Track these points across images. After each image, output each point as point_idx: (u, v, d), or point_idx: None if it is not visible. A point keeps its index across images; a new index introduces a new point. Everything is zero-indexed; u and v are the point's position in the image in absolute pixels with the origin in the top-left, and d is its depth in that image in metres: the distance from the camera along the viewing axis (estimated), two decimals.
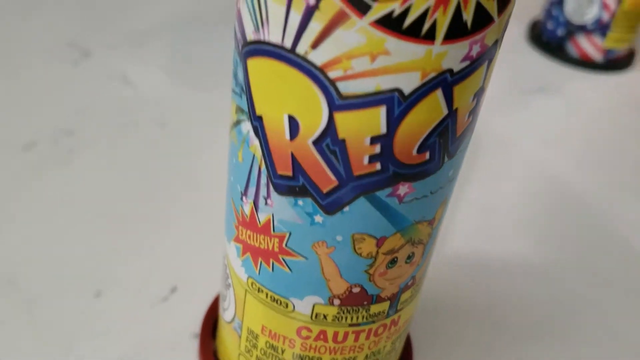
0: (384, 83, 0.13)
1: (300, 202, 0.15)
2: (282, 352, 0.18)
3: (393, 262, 0.16)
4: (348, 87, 0.13)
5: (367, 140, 0.13)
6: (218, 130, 0.35)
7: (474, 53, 0.13)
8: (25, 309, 0.24)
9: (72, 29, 0.43)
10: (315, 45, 0.12)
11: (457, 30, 0.12)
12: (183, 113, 0.36)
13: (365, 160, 0.14)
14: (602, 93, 0.46)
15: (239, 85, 0.15)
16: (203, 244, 0.28)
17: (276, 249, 0.16)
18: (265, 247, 0.16)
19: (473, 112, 0.15)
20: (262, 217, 0.16)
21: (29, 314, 0.24)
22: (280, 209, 0.15)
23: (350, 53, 0.12)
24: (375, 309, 0.17)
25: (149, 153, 0.33)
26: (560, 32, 0.49)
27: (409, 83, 0.13)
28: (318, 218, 0.15)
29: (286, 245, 0.16)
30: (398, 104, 0.13)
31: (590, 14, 0.47)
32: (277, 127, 0.14)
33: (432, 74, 0.13)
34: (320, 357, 0.18)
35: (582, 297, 0.28)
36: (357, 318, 0.17)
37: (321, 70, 0.13)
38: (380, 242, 0.15)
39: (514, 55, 0.49)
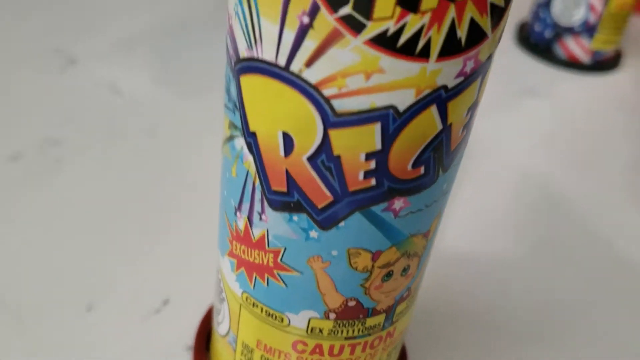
0: (379, 100, 0.12)
1: (295, 217, 0.15)
2: None
3: (389, 275, 0.16)
4: (343, 105, 0.13)
5: (362, 157, 0.13)
6: (208, 137, 0.35)
7: (468, 69, 0.13)
8: (16, 324, 0.24)
9: (57, 35, 0.43)
10: (309, 63, 0.12)
11: (451, 47, 0.12)
12: (172, 120, 0.36)
13: (361, 176, 0.14)
14: (590, 94, 0.47)
15: (232, 101, 0.15)
16: (195, 255, 0.27)
17: (271, 264, 0.16)
18: (260, 262, 0.16)
19: (467, 126, 0.15)
20: (257, 232, 0.16)
21: (20, 329, 0.24)
22: (274, 225, 0.15)
23: (345, 71, 0.12)
24: (371, 321, 0.17)
25: (139, 162, 0.33)
26: (547, 34, 0.49)
27: (403, 100, 0.13)
28: (313, 233, 0.15)
29: (281, 260, 0.16)
30: (393, 121, 0.13)
31: (577, 16, 0.47)
32: (272, 144, 0.14)
33: (427, 91, 0.13)
34: None
35: (575, 298, 0.28)
36: (353, 331, 0.17)
37: (315, 88, 0.13)
38: (375, 256, 0.15)
39: (502, 57, 0.49)
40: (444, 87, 0.13)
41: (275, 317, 0.17)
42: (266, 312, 0.17)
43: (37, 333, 0.24)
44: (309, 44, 0.12)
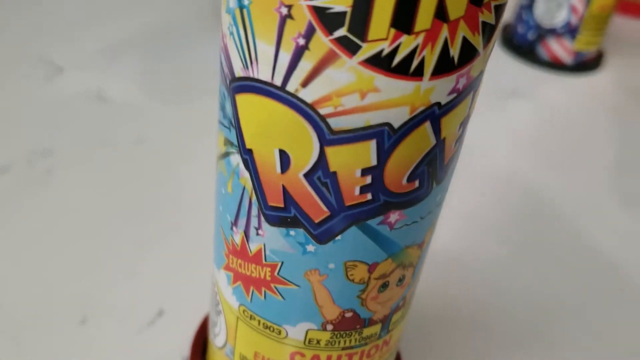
0: (374, 118, 0.13)
1: (292, 232, 0.15)
2: None
3: (384, 286, 0.16)
4: (339, 123, 0.13)
5: (358, 172, 0.14)
6: (197, 144, 0.35)
7: (460, 85, 0.13)
8: (10, 338, 0.24)
9: (42, 44, 0.42)
10: (305, 83, 0.12)
11: (444, 66, 0.12)
12: (161, 128, 0.36)
13: (357, 191, 0.14)
14: (573, 94, 0.47)
15: (227, 119, 0.15)
16: (188, 265, 0.27)
17: (268, 278, 0.16)
18: (257, 276, 0.16)
19: (459, 139, 0.15)
20: (253, 247, 0.16)
21: (15, 343, 0.23)
22: (271, 239, 0.15)
23: (341, 91, 0.12)
24: (367, 331, 0.17)
25: (129, 171, 0.33)
26: (530, 35, 0.50)
27: (398, 117, 0.13)
28: (310, 247, 0.15)
29: (278, 274, 0.16)
30: (388, 138, 0.13)
31: (559, 18, 0.48)
32: (268, 161, 0.14)
33: (421, 108, 0.13)
34: None
35: (564, 301, 0.29)
36: (350, 341, 0.17)
37: (312, 107, 0.13)
38: (372, 267, 0.16)
39: None
40: (438, 104, 0.13)
41: (273, 329, 0.17)
42: (264, 324, 0.17)
43: (31, 347, 0.23)
44: (305, 65, 0.12)
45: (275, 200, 0.15)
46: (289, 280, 0.16)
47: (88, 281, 0.26)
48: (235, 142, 0.15)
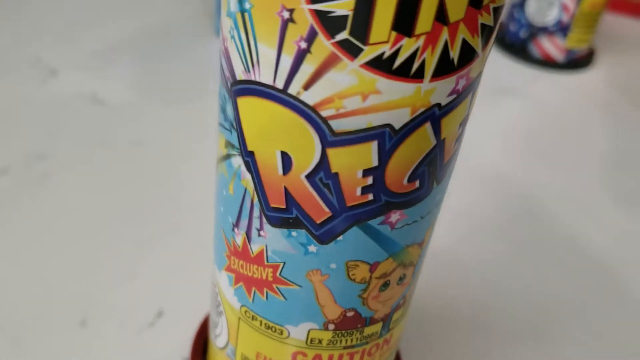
0: (375, 120, 0.13)
1: (294, 233, 0.15)
2: None
3: (385, 285, 0.17)
4: (340, 125, 0.13)
5: (360, 173, 0.14)
6: (195, 145, 0.35)
7: (460, 87, 0.13)
8: (10, 342, 0.24)
9: (36, 46, 0.42)
10: (307, 86, 0.13)
11: (444, 68, 0.13)
12: (157, 130, 0.36)
13: (358, 191, 0.14)
14: (565, 92, 0.48)
15: (228, 121, 0.15)
16: (188, 266, 0.28)
17: (270, 279, 0.16)
18: (259, 277, 0.17)
19: (459, 139, 0.15)
20: (255, 248, 0.16)
21: (15, 347, 0.23)
22: (273, 240, 0.16)
23: (342, 93, 0.12)
24: (368, 330, 0.18)
25: (127, 173, 0.33)
26: (522, 33, 0.50)
27: (399, 119, 0.13)
28: (312, 248, 0.15)
29: (280, 274, 0.16)
30: (389, 139, 0.13)
31: (551, 16, 0.48)
32: (270, 163, 0.14)
33: (421, 109, 0.13)
34: None
35: (562, 300, 0.29)
36: (352, 340, 0.18)
37: (313, 109, 0.13)
38: (373, 267, 0.16)
39: None
40: (438, 105, 0.13)
41: (275, 329, 0.17)
42: (265, 324, 0.18)
43: (31, 349, 0.23)
44: (307, 68, 0.12)
45: (277, 201, 0.15)
46: (290, 281, 0.16)
47: (88, 283, 0.26)
48: (237, 145, 0.15)
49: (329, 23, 0.12)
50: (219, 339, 0.20)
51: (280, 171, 0.14)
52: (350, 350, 0.18)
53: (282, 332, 0.17)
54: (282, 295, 0.16)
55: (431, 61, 0.12)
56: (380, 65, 0.12)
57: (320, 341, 0.17)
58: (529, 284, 0.29)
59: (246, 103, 0.14)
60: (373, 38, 0.12)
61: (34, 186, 0.31)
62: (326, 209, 0.14)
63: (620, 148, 0.42)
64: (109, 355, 0.24)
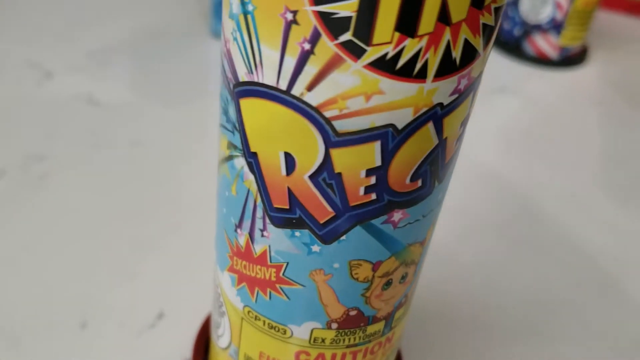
0: (379, 120, 0.13)
1: (297, 233, 0.15)
2: None
3: (388, 283, 0.17)
4: (344, 125, 0.13)
5: (363, 173, 0.14)
6: (192, 145, 0.35)
7: (462, 86, 0.13)
8: (10, 345, 0.24)
9: (31, 48, 0.42)
10: (310, 87, 0.13)
11: (446, 68, 0.13)
12: (155, 130, 0.36)
13: (361, 191, 0.14)
14: (559, 89, 0.48)
15: (230, 123, 0.15)
16: (187, 266, 0.28)
17: (273, 279, 0.16)
18: (262, 277, 0.17)
19: (460, 138, 0.15)
20: (258, 248, 0.16)
21: (15, 351, 0.23)
22: (276, 241, 0.16)
23: (346, 94, 0.13)
24: (371, 329, 0.18)
25: (125, 174, 0.33)
26: (516, 31, 0.50)
27: (402, 119, 0.13)
28: (315, 248, 0.15)
29: (283, 274, 0.16)
30: (392, 138, 0.13)
31: (544, 14, 0.48)
32: (273, 164, 0.14)
33: (424, 109, 0.13)
34: None
35: (561, 297, 0.29)
36: (354, 339, 0.18)
37: (317, 110, 0.13)
38: (376, 266, 0.16)
39: None
40: (440, 104, 0.13)
41: (278, 329, 0.18)
42: (269, 324, 0.18)
43: (32, 353, 0.23)
44: (310, 69, 0.12)
45: (281, 202, 0.15)
46: (294, 281, 0.16)
47: (87, 284, 0.26)
48: (240, 146, 0.15)
49: (333, 24, 0.12)
50: (221, 339, 0.20)
51: (284, 172, 0.14)
52: (353, 348, 0.18)
53: (285, 332, 0.17)
54: (286, 295, 0.17)
55: (434, 61, 0.12)
56: (384, 65, 0.12)
57: (323, 340, 0.17)
58: (526, 281, 0.30)
59: (249, 104, 0.14)
60: (376, 39, 0.12)
61: (32, 187, 0.31)
62: (329, 209, 0.15)
63: (615, 144, 0.42)
64: (110, 357, 0.24)
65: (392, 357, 0.21)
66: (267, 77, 0.13)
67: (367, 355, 0.19)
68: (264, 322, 0.18)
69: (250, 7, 0.13)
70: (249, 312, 0.18)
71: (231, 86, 0.14)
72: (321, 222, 0.15)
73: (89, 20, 0.46)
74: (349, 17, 0.12)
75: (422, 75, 0.12)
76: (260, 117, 0.14)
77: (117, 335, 0.25)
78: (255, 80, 0.13)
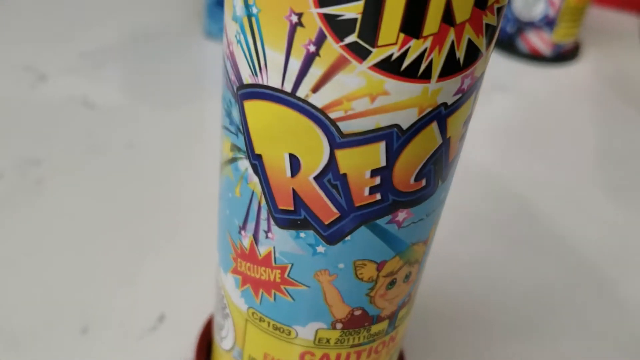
0: (383, 121, 0.13)
1: (302, 234, 0.15)
2: None
3: (392, 283, 0.17)
4: (349, 126, 0.13)
5: (368, 174, 0.14)
6: (189, 146, 0.35)
7: (465, 86, 0.13)
8: (11, 351, 0.24)
9: (24, 52, 0.42)
10: (315, 89, 0.13)
11: (450, 68, 0.13)
12: (150, 132, 0.36)
13: (366, 191, 0.14)
14: (553, 85, 0.48)
15: (234, 125, 0.15)
16: (187, 268, 0.28)
17: (278, 280, 0.16)
18: (267, 279, 0.17)
19: (462, 137, 0.15)
20: (263, 250, 0.16)
21: (17, 358, 0.23)
22: (281, 242, 0.16)
23: (351, 95, 0.13)
24: (375, 328, 0.18)
25: (122, 177, 0.33)
26: (510, 28, 0.50)
27: (406, 119, 0.13)
28: (320, 248, 0.15)
29: (288, 275, 0.16)
30: (397, 139, 0.13)
31: (537, 11, 0.49)
32: (278, 165, 0.14)
33: (428, 109, 0.13)
34: None
35: (559, 295, 0.29)
36: (359, 339, 0.18)
37: (322, 111, 0.13)
38: (380, 266, 0.16)
39: None
40: (444, 104, 0.13)
41: (283, 330, 0.18)
42: (273, 325, 0.18)
43: (33, 359, 0.23)
44: (315, 71, 0.12)
45: (285, 203, 0.15)
46: (299, 282, 0.16)
47: (87, 289, 0.26)
48: (244, 148, 0.15)
49: (338, 26, 0.12)
50: (225, 341, 0.20)
51: (289, 173, 0.14)
52: (358, 348, 0.18)
53: (290, 333, 0.18)
54: (290, 296, 0.17)
55: (438, 62, 0.12)
56: (389, 66, 0.12)
57: (328, 340, 0.18)
58: (528, 281, 0.30)
59: (253, 106, 0.14)
60: (381, 40, 0.12)
61: (29, 192, 0.31)
62: (334, 210, 0.15)
63: (609, 140, 0.42)
64: None
65: (395, 356, 0.21)
66: (272, 79, 0.13)
67: (372, 355, 0.19)
68: (269, 323, 0.18)
69: (254, 10, 0.13)
70: (253, 313, 0.18)
71: (235, 88, 0.14)
72: (326, 223, 0.15)
73: (82, 22, 0.46)
74: (355, 19, 0.12)
75: (426, 76, 0.12)
76: (265, 119, 0.14)
77: (118, 339, 0.24)
78: (260, 82, 0.13)
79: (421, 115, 0.13)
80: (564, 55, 0.51)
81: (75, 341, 0.24)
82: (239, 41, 0.14)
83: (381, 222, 0.15)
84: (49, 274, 0.27)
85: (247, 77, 0.14)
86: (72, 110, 0.37)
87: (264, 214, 0.15)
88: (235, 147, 0.15)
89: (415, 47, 0.12)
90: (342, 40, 0.12)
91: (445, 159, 0.15)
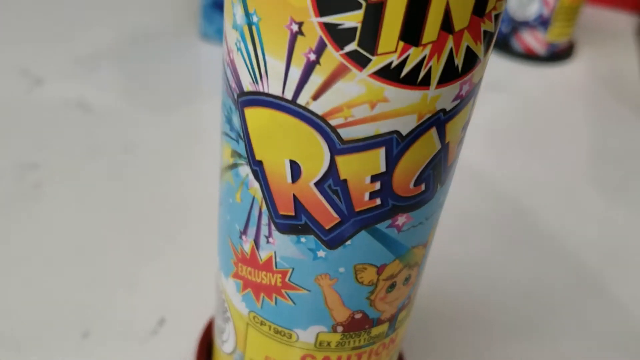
0: (383, 127, 0.13)
1: (302, 239, 0.15)
2: None
3: (392, 286, 0.17)
4: (349, 133, 0.13)
5: (368, 179, 0.14)
6: (187, 149, 0.35)
7: (463, 92, 0.14)
8: (13, 357, 0.24)
9: (20, 55, 0.42)
10: (316, 96, 0.13)
11: (449, 75, 0.13)
12: (148, 134, 0.36)
13: (366, 197, 0.14)
14: (548, 84, 0.48)
15: (234, 131, 0.15)
16: (187, 272, 0.28)
17: (279, 284, 0.17)
18: (268, 283, 0.17)
19: (461, 142, 0.15)
20: (264, 254, 0.16)
21: None
22: (282, 247, 0.16)
23: (351, 102, 0.13)
24: (375, 331, 0.18)
25: (120, 181, 0.33)
26: (504, 28, 0.51)
27: (406, 125, 0.13)
28: (321, 253, 0.16)
29: (289, 280, 0.16)
30: (396, 145, 0.13)
31: (531, 10, 0.49)
32: (278, 171, 0.14)
33: (427, 115, 0.13)
34: None
35: (559, 295, 0.30)
36: (359, 341, 0.18)
37: (322, 118, 0.13)
38: (380, 269, 0.16)
39: None
40: (443, 110, 0.13)
41: (284, 333, 0.18)
42: (274, 329, 0.18)
43: None
44: (316, 79, 0.13)
45: (286, 209, 0.15)
46: (299, 286, 0.16)
47: (87, 293, 0.26)
48: (244, 154, 0.15)
49: (338, 35, 0.12)
50: (226, 344, 0.20)
51: (289, 179, 0.14)
52: (358, 350, 0.18)
53: (291, 336, 0.18)
54: (291, 300, 0.17)
55: (437, 69, 0.13)
56: (388, 74, 0.12)
57: (329, 344, 0.18)
58: (528, 281, 0.30)
59: (254, 113, 0.14)
60: (381, 48, 0.12)
61: (27, 197, 0.31)
62: (335, 215, 0.15)
63: (603, 139, 0.42)
64: None
65: (395, 357, 0.21)
66: (273, 87, 0.13)
67: (372, 357, 0.19)
68: (270, 327, 0.18)
69: (255, 19, 0.13)
70: (254, 317, 0.18)
71: (235, 95, 0.15)
72: (327, 227, 0.15)
73: (77, 25, 0.46)
74: (355, 28, 0.12)
75: (425, 83, 0.13)
76: (266, 126, 0.14)
77: (119, 343, 0.25)
78: (261, 90, 0.14)
79: (420, 122, 0.13)
80: (559, 54, 0.51)
81: (76, 345, 0.24)
82: (239, 49, 0.14)
83: (381, 226, 0.15)
84: (50, 278, 0.27)
85: (247, 85, 0.14)
86: (68, 114, 0.37)
87: (264, 219, 0.16)
88: (235, 153, 0.15)
89: (415, 55, 0.12)
90: (342, 48, 0.12)
91: (444, 163, 0.15)
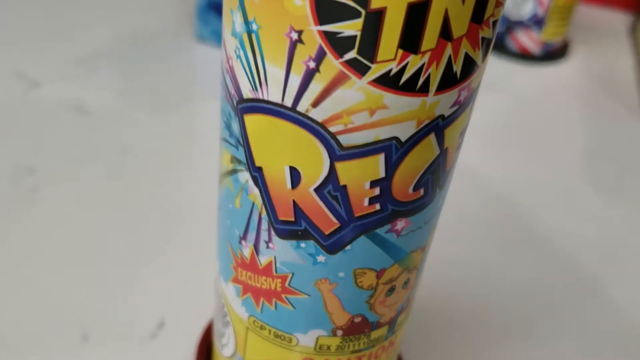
0: (383, 133, 0.13)
1: (302, 244, 0.15)
2: None
3: (391, 290, 0.17)
4: (348, 139, 0.13)
5: (367, 185, 0.14)
6: (185, 151, 0.35)
7: (462, 98, 0.14)
8: (12, 359, 0.24)
9: (16, 58, 0.42)
10: (316, 104, 0.13)
11: (448, 81, 0.13)
12: (145, 136, 0.36)
13: (366, 202, 0.14)
14: (542, 84, 0.49)
15: (234, 137, 0.15)
16: (186, 274, 0.28)
17: (279, 289, 0.17)
18: (268, 288, 0.17)
19: (459, 146, 0.15)
20: (264, 259, 0.16)
21: None
22: (282, 252, 0.16)
23: (350, 109, 0.13)
24: (375, 334, 0.18)
25: (117, 183, 0.33)
26: (499, 28, 0.51)
27: (405, 131, 0.13)
28: (320, 258, 0.16)
29: (289, 284, 0.16)
30: (396, 151, 0.14)
31: (526, 10, 0.49)
32: (278, 177, 0.14)
33: (426, 121, 0.13)
34: None
35: (558, 294, 0.30)
36: (359, 345, 0.18)
37: (322, 125, 0.13)
38: (380, 273, 0.16)
39: None
40: (441, 116, 0.14)
41: (284, 337, 0.18)
42: (274, 333, 0.18)
43: None
44: (315, 86, 0.13)
45: (286, 214, 0.15)
46: (299, 290, 0.16)
47: (86, 296, 0.26)
48: (244, 160, 0.15)
49: (338, 43, 0.12)
50: (225, 348, 0.20)
51: (289, 185, 0.14)
52: (358, 354, 0.18)
53: (291, 340, 0.18)
54: (291, 304, 0.17)
55: (436, 76, 0.13)
56: (388, 81, 0.12)
57: (328, 347, 0.18)
58: (527, 281, 0.30)
59: (253, 120, 0.14)
60: (380, 56, 0.12)
61: (24, 200, 0.31)
62: (334, 220, 0.15)
63: (598, 137, 0.43)
64: None
65: (394, 358, 0.21)
66: (272, 94, 0.13)
67: (371, 359, 0.19)
68: (270, 331, 0.18)
69: (254, 27, 0.13)
70: (254, 321, 0.18)
71: (234, 102, 0.15)
72: (326, 233, 0.15)
73: (73, 28, 0.46)
74: (354, 36, 0.12)
75: (424, 90, 0.13)
76: (266, 133, 0.14)
77: (119, 345, 0.25)
78: (260, 97, 0.14)
79: (419, 128, 0.13)
80: (553, 53, 0.52)
81: (75, 346, 0.24)
82: (238, 56, 0.14)
83: (380, 231, 0.15)
84: (49, 280, 0.27)
85: (247, 92, 0.14)
86: (65, 117, 0.37)
87: (264, 224, 0.16)
88: (235, 159, 0.16)
89: (414, 62, 0.12)
90: (341, 56, 0.12)
91: (443, 168, 0.15)
